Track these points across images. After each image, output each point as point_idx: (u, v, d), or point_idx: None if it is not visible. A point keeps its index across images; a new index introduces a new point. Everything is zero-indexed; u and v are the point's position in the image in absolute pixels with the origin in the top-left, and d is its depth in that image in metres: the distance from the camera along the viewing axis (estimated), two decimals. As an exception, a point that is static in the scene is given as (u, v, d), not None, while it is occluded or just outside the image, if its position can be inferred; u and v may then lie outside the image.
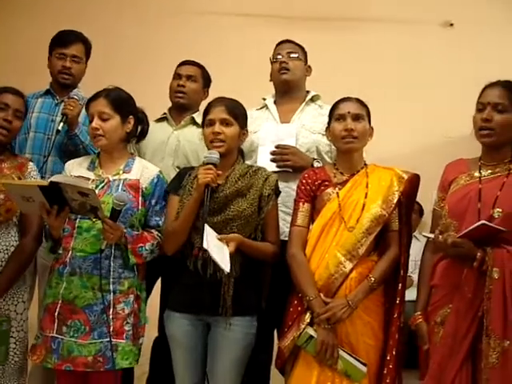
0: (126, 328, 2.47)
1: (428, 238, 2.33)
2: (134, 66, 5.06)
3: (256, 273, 2.54)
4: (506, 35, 5.12)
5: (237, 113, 2.55)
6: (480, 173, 2.31)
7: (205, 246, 2.25)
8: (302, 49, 3.10)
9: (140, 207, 2.56)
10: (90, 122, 2.58)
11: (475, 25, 5.16)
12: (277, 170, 2.78)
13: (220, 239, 2.36)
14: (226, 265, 2.27)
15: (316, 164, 2.82)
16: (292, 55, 3.03)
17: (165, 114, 3.26)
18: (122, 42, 5.17)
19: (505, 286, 2.09)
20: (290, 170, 2.83)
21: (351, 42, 5.13)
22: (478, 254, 2.12)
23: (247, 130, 2.62)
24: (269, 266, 2.60)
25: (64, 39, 3.14)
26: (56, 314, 2.47)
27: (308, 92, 3.10)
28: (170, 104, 3.29)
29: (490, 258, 2.11)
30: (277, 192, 2.57)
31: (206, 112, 2.58)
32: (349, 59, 5.08)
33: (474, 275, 2.16)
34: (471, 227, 2.12)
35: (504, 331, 2.07)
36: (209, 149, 2.52)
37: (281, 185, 2.64)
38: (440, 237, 2.20)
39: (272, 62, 3.08)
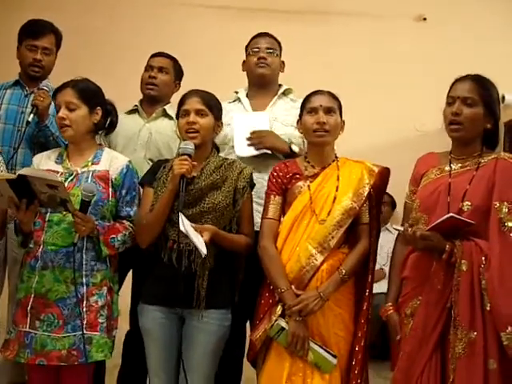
0: (100, 320, 2.47)
1: (398, 231, 2.35)
2: (106, 58, 5.02)
3: (230, 265, 2.54)
4: (478, 29, 5.19)
5: (211, 104, 2.54)
6: (450, 167, 2.33)
7: (182, 229, 2.25)
8: (279, 44, 3.11)
9: (110, 198, 2.54)
10: (57, 112, 2.55)
11: (448, 19, 5.23)
12: (256, 153, 2.81)
13: (195, 228, 2.36)
14: (203, 248, 2.28)
15: (294, 147, 2.84)
16: (271, 51, 3.04)
17: (136, 106, 3.24)
18: (93, 35, 5.10)
19: (473, 278, 2.11)
20: (269, 152, 2.85)
21: (324, 35, 5.15)
22: (447, 246, 2.14)
23: (222, 123, 2.62)
24: (243, 259, 2.59)
25: (35, 30, 3.08)
26: (29, 308, 2.45)
27: (280, 86, 3.11)
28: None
29: (459, 251, 2.13)
30: (251, 184, 2.57)
31: (181, 103, 2.57)
32: (322, 53, 5.09)
33: (442, 268, 2.18)
34: (439, 220, 2.14)
35: (471, 322, 2.09)
36: (184, 140, 2.52)
37: (254, 176, 2.64)
38: (409, 230, 2.22)
39: (249, 54, 3.07)
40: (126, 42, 5.02)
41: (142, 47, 3.35)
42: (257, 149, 2.85)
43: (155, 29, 5.12)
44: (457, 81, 2.32)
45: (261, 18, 4.90)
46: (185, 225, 2.28)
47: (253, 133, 2.87)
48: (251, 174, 2.57)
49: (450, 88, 2.33)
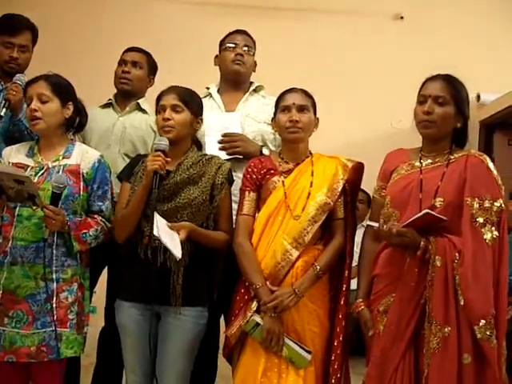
0: (70, 317, 2.44)
1: (373, 227, 2.36)
2: (82, 53, 4.96)
3: (208, 262, 2.53)
4: (455, 29, 5.24)
5: (188, 100, 2.52)
6: (421, 163, 2.35)
7: (155, 233, 2.24)
8: (255, 43, 3.11)
9: (82, 192, 2.51)
10: (28, 105, 2.52)
11: (425, 18, 5.27)
12: (227, 157, 2.78)
13: (170, 227, 2.34)
14: (177, 251, 2.26)
15: (265, 151, 2.85)
16: (248, 49, 3.03)
17: (110, 100, 3.21)
18: (69, 29, 5.05)
19: (447, 274, 2.13)
20: (241, 157, 2.83)
21: (301, 32, 5.17)
22: (422, 242, 2.16)
23: (201, 119, 2.60)
24: (221, 256, 2.59)
25: (11, 27, 3.03)
26: None
27: (252, 83, 3.11)
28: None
29: (433, 247, 2.15)
30: (230, 180, 2.57)
31: (158, 99, 2.56)
32: (298, 50, 5.11)
33: (416, 264, 2.20)
34: (416, 216, 2.15)
35: (445, 318, 2.11)
36: (160, 135, 2.51)
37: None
38: (384, 226, 2.23)
39: (224, 49, 3.05)
40: (111, 37, 4.97)
41: (126, 43, 3.31)
42: (228, 154, 2.83)
43: (140, 25, 5.10)
44: (428, 80, 2.34)
45: (241, 15, 4.90)
46: (159, 226, 2.27)
47: (224, 135, 2.86)
48: (230, 170, 2.57)
49: (422, 87, 2.35)
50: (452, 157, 2.30)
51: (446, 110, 2.27)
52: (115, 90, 3.22)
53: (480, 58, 5.10)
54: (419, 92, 2.35)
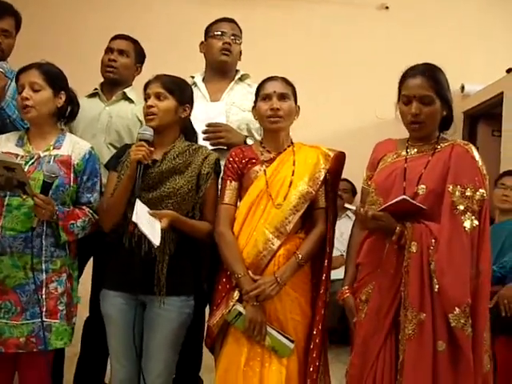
0: (60, 307, 2.44)
1: (350, 209, 2.38)
2: (66, 43, 4.91)
3: (193, 252, 2.53)
4: (439, 19, 5.26)
5: (172, 88, 2.51)
6: (407, 152, 2.36)
7: (134, 219, 2.24)
8: (241, 31, 3.10)
9: (72, 183, 2.51)
10: (20, 93, 2.50)
11: (410, 8, 5.28)
12: (211, 148, 2.77)
13: (152, 214, 2.34)
14: (155, 238, 2.26)
15: (249, 141, 2.85)
16: (235, 38, 3.03)
17: (96, 89, 3.18)
18: (54, 18, 5.01)
19: (422, 260, 2.14)
20: (225, 148, 2.83)
21: (285, 21, 5.16)
22: (397, 227, 2.17)
23: (189, 107, 2.58)
24: (207, 246, 2.58)
25: None
26: None
27: (237, 71, 3.11)
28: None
29: (409, 233, 2.16)
30: (217, 170, 2.56)
31: (145, 88, 2.56)
32: (283, 38, 5.10)
33: (395, 252, 2.21)
34: (392, 201, 2.17)
35: (420, 304, 2.12)
36: (146, 124, 2.50)
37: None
38: (361, 210, 2.25)
39: (211, 36, 3.04)
40: (102, 28, 4.94)
41: (111, 31, 3.28)
42: (212, 144, 2.83)
43: (130, 15, 5.05)
44: (408, 76, 2.31)
45: (223, 3, 4.86)
46: (139, 212, 2.27)
47: (208, 125, 2.86)
48: (217, 159, 2.56)
49: (401, 84, 2.33)
50: (438, 146, 2.31)
51: (433, 108, 2.26)
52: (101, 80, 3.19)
53: (464, 48, 5.13)
54: (400, 89, 2.33)
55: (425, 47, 4.86)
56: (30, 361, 2.45)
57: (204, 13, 4.29)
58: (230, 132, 2.87)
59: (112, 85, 3.15)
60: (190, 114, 2.61)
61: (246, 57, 3.17)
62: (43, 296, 2.41)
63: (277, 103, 2.51)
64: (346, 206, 2.52)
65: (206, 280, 2.60)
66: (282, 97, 2.53)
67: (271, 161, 2.55)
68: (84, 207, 2.54)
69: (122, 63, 3.13)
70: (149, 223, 2.30)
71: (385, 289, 2.23)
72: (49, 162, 2.48)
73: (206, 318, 2.73)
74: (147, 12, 5.11)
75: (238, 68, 3.13)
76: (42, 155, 2.50)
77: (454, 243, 2.13)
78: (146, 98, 2.51)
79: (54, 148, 2.53)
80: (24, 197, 2.39)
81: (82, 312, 2.93)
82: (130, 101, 3.13)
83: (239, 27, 3.09)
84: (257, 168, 2.53)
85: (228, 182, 2.56)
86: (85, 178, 2.55)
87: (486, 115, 5.13)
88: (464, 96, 5.17)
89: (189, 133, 2.64)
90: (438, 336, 2.11)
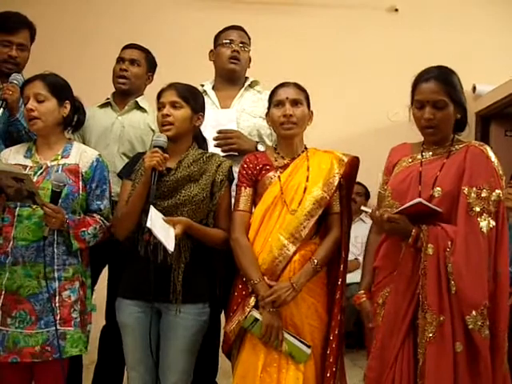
0: (74, 315, 2.45)
1: (365, 212, 2.37)
2: (76, 51, 4.94)
3: (208, 259, 2.53)
4: (449, 20, 5.24)
5: (188, 96, 2.52)
6: (422, 155, 2.35)
7: (148, 224, 2.23)
8: (250, 39, 3.11)
9: (81, 192, 2.53)
10: (25, 104, 2.53)
11: (420, 10, 5.27)
12: (222, 154, 2.78)
13: (166, 221, 2.35)
14: (170, 244, 2.26)
15: (260, 147, 2.85)
16: (243, 46, 3.03)
17: (108, 99, 3.20)
18: (63, 27, 5.03)
19: (439, 262, 2.13)
20: (236, 154, 2.84)
21: (296, 27, 5.17)
22: (413, 230, 2.17)
23: (203, 115, 2.59)
24: (221, 252, 2.58)
25: (10, 25, 2.99)
26: None
27: (247, 78, 3.12)
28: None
29: (425, 235, 2.16)
30: (230, 178, 2.57)
31: (158, 96, 2.56)
32: (294, 44, 5.11)
33: (411, 254, 2.20)
34: (407, 204, 2.16)
35: (439, 306, 2.11)
36: (161, 133, 2.50)
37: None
38: (377, 212, 2.24)
39: (220, 44, 3.05)
40: (106, 33, 4.96)
41: (121, 39, 3.29)
42: (223, 151, 2.84)
43: (135, 21, 5.08)
44: (420, 81, 2.29)
45: (233, 9, 4.88)
46: (153, 219, 2.27)
47: (219, 132, 2.87)
48: (230, 167, 2.56)
49: (414, 88, 2.31)
50: (453, 148, 2.30)
51: (446, 113, 2.25)
52: (111, 90, 3.21)
53: (475, 49, 5.11)
54: (413, 94, 2.32)
55: (435, 48, 4.85)
56: (45, 369, 2.46)
57: (214, 20, 4.32)
58: (241, 138, 2.88)
59: (124, 94, 3.17)
60: (202, 123, 2.61)
61: (258, 62, 3.17)
62: (57, 304, 2.42)
63: (290, 109, 2.51)
64: (362, 208, 2.50)
65: (220, 286, 2.60)
66: (295, 103, 2.53)
67: (285, 167, 2.55)
68: (95, 215, 2.56)
69: (133, 73, 3.15)
70: (163, 229, 2.30)
71: (401, 291, 2.22)
72: (57, 171, 2.50)
73: (222, 324, 2.74)
74: (155, 20, 5.13)
75: (247, 75, 3.13)
76: (50, 165, 2.52)
77: (471, 245, 2.12)
78: (161, 106, 2.52)
79: (61, 157, 2.55)
80: (34, 207, 2.41)
81: (99, 320, 2.95)
82: (143, 110, 3.14)
83: (248, 35, 3.10)
84: (271, 174, 2.54)
85: (242, 188, 2.56)
86: (94, 185, 2.56)
87: (498, 115, 5.11)
88: (476, 97, 5.15)
89: (199, 140, 2.65)
90: (456, 337, 2.10)
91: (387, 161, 2.48)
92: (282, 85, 2.59)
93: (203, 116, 2.60)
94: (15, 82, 2.83)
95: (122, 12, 5.14)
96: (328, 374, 2.44)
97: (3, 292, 2.42)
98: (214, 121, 2.88)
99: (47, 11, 4.64)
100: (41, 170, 2.51)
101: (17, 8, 3.09)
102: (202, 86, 3.07)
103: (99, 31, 5.03)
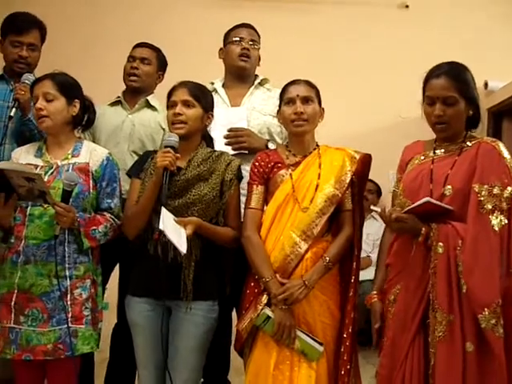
0: (85, 313, 2.47)
1: (375, 211, 2.36)
2: (86, 50, 4.95)
3: (218, 257, 2.54)
4: (461, 16, 5.20)
5: (199, 95, 2.52)
6: (434, 153, 2.33)
7: (161, 227, 2.23)
8: (259, 36, 3.11)
9: (91, 190, 2.54)
10: (34, 104, 2.54)
11: (431, 6, 5.23)
12: (233, 152, 2.79)
13: (177, 222, 2.35)
14: (182, 246, 2.26)
15: (270, 145, 2.85)
16: (253, 44, 3.03)
17: (119, 97, 3.21)
18: (70, 27, 5.01)
19: (449, 261, 2.11)
20: (246, 152, 2.84)
21: (307, 24, 5.14)
22: (423, 229, 2.15)
23: (212, 115, 2.60)
24: (231, 250, 2.59)
25: (20, 26, 3.01)
26: (12, 303, 2.44)
27: (256, 76, 3.12)
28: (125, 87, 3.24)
29: (435, 234, 2.14)
30: (239, 177, 2.57)
31: (169, 95, 2.56)
32: (305, 42, 5.08)
33: (421, 252, 2.19)
34: (416, 203, 2.15)
35: (449, 305, 2.09)
36: (170, 131, 2.51)
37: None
38: (386, 211, 2.23)
39: (230, 42, 3.05)
40: (114, 32, 4.97)
41: (130, 38, 3.30)
42: (234, 149, 2.84)
43: (144, 18, 5.08)
44: (431, 77, 2.27)
45: (243, 8, 4.87)
46: (165, 220, 2.27)
47: (230, 130, 2.87)
48: (239, 166, 2.57)
49: (425, 84, 2.30)
50: (465, 145, 2.28)
51: (457, 109, 2.23)
52: (120, 88, 3.21)
53: (487, 45, 5.05)
54: (424, 90, 2.30)
55: (447, 45, 4.82)
56: (58, 367, 2.48)
57: (223, 19, 4.33)
58: (252, 136, 2.88)
59: (134, 93, 3.18)
60: (211, 122, 2.62)
61: (268, 60, 3.17)
62: (68, 302, 2.44)
63: (300, 107, 2.51)
64: (372, 207, 2.49)
65: (229, 284, 2.60)
66: (306, 100, 2.53)
67: (297, 164, 2.54)
68: (105, 213, 2.57)
69: (144, 71, 3.16)
70: (175, 231, 2.30)
71: (412, 289, 2.21)
72: (67, 170, 2.51)
73: (233, 322, 2.74)
74: (163, 19, 5.11)
75: (257, 73, 3.13)
76: (60, 164, 2.54)
77: (481, 243, 2.09)
78: (172, 104, 2.52)
79: (72, 156, 2.56)
80: (45, 206, 2.43)
81: (112, 318, 2.96)
82: (153, 108, 3.15)
83: (257, 33, 3.10)
84: (283, 172, 2.54)
85: (254, 186, 2.56)
86: (104, 184, 2.57)
87: (510, 112, 5.06)
88: (488, 93, 5.10)
89: (206, 139, 2.65)
90: (467, 337, 2.07)
91: (400, 159, 2.46)
92: (293, 82, 2.59)
93: (213, 115, 2.60)
94: (27, 82, 2.85)
95: (130, 12, 5.13)
96: (342, 372, 2.45)
97: (16, 291, 2.44)
98: (225, 119, 2.89)
99: (53, 11, 4.64)
100: (51, 170, 2.52)
101: (24, 9, 3.11)
102: (212, 83, 3.08)
103: (105, 31, 5.03)
